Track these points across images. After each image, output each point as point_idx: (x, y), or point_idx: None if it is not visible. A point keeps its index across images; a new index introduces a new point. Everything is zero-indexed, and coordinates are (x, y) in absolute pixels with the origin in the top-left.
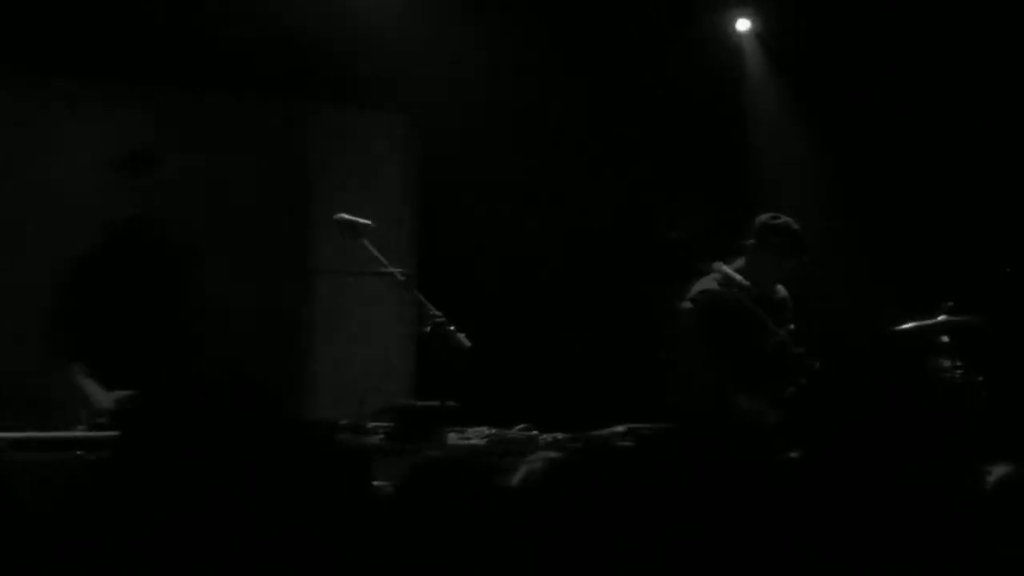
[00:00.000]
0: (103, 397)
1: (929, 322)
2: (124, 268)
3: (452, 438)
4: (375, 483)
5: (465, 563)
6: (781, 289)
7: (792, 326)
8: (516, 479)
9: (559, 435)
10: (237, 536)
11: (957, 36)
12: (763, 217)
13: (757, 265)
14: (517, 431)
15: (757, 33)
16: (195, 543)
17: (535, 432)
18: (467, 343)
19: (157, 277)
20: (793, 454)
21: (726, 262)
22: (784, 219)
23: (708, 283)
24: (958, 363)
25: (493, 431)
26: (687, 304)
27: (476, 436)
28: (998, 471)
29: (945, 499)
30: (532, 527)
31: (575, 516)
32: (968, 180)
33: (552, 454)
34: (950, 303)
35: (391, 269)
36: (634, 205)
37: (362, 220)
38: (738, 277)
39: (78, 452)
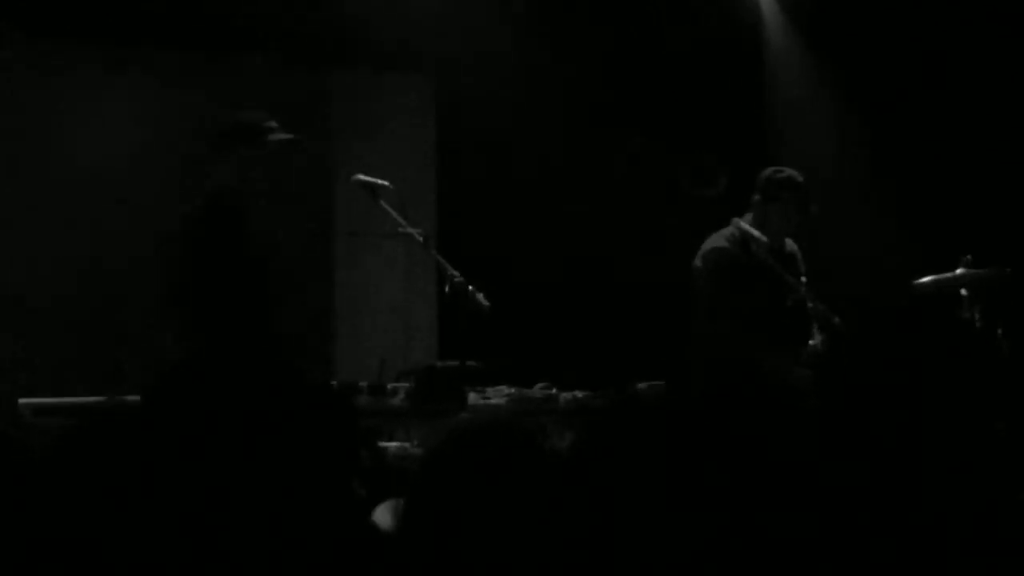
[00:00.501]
0: None
1: (948, 275)
2: (224, 235)
3: (473, 398)
4: (389, 444)
5: (513, 536)
6: (790, 243)
7: (804, 279)
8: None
9: (578, 393)
10: (252, 504)
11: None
12: (767, 172)
13: (765, 220)
14: (537, 389)
15: None
16: (208, 512)
17: (554, 390)
18: (486, 303)
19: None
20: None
21: (731, 220)
22: (788, 172)
23: (718, 240)
24: (978, 316)
25: (513, 390)
26: (697, 262)
27: (496, 395)
28: None
29: (969, 451)
30: (585, 494)
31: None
32: (988, 135)
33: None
34: (969, 256)
35: (410, 230)
36: (656, 165)
37: (380, 181)
38: (756, 232)
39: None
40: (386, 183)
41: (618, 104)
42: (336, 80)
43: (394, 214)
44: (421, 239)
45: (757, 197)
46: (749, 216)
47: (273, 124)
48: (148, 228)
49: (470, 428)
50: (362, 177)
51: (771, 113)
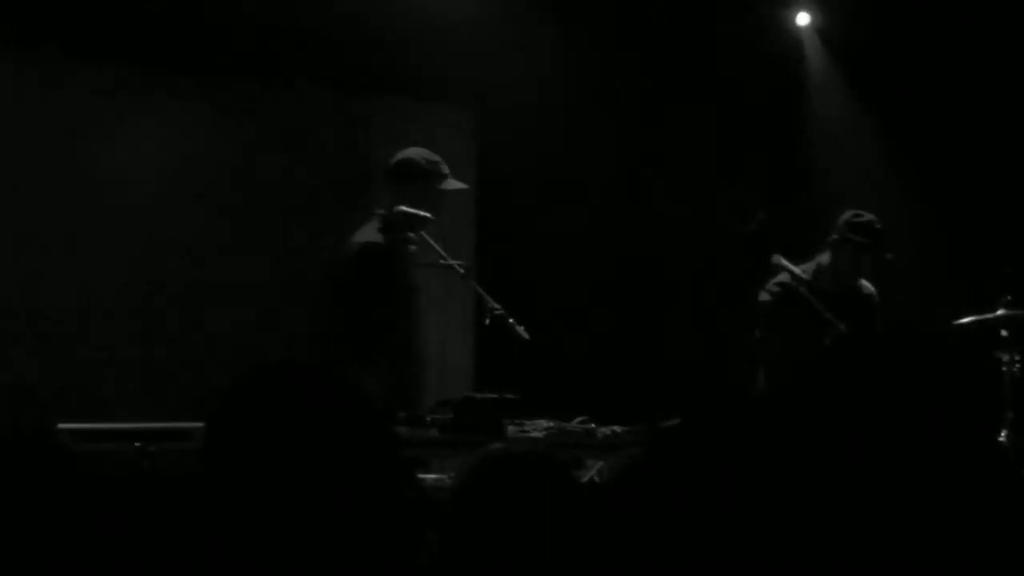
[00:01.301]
0: None
1: (989, 316)
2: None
3: (511, 431)
4: (427, 476)
5: (536, 564)
6: (867, 285)
7: (877, 325)
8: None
9: (617, 428)
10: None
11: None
12: (846, 215)
13: (837, 260)
14: (575, 424)
15: (817, 27)
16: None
17: (593, 425)
18: (526, 335)
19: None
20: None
21: (814, 257)
22: (867, 217)
23: (783, 276)
24: (1017, 357)
25: (552, 424)
26: (763, 296)
27: (535, 429)
28: None
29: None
30: (611, 524)
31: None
32: None
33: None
34: (1009, 296)
35: (451, 261)
36: (696, 198)
37: (422, 213)
38: (797, 270)
39: (136, 444)
40: (427, 215)
41: (658, 137)
42: (376, 109)
43: (435, 246)
44: (462, 271)
45: (833, 237)
46: (826, 255)
47: (447, 170)
48: (175, 251)
49: (502, 457)
50: (404, 208)
51: (812, 146)
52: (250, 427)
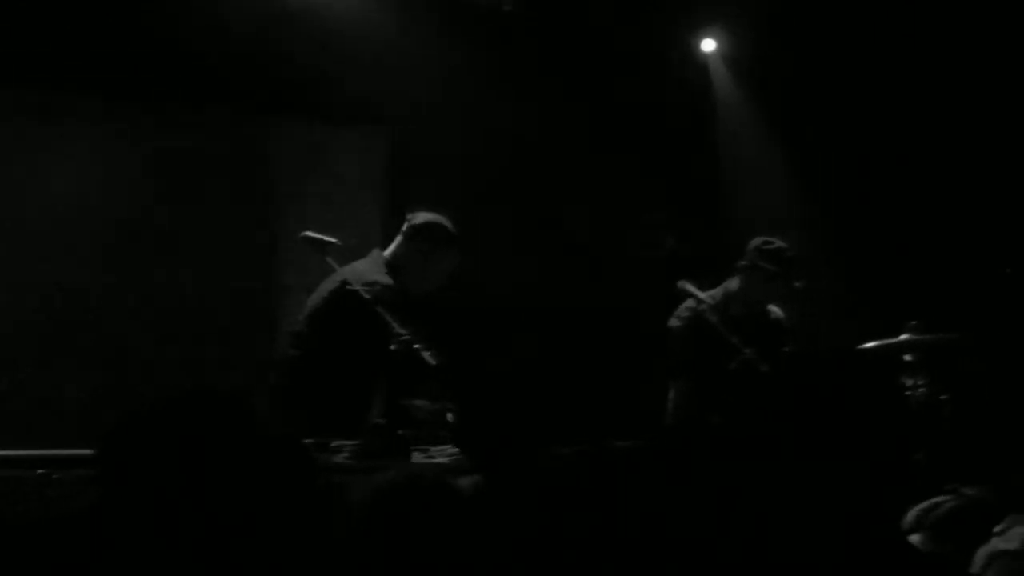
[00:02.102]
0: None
1: (893, 340)
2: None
3: (417, 456)
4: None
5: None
6: (775, 310)
7: (787, 348)
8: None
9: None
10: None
11: (927, 52)
12: (756, 241)
13: (749, 286)
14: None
15: (723, 53)
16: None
17: None
18: (433, 361)
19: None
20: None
21: (723, 282)
22: (777, 244)
23: (691, 302)
24: (921, 382)
25: (457, 450)
26: (673, 321)
27: (440, 455)
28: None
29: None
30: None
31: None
32: (937, 198)
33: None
34: (914, 322)
35: (357, 287)
36: (608, 225)
37: (328, 238)
38: (702, 295)
39: (39, 471)
40: (334, 240)
41: (571, 165)
42: (286, 132)
43: (338, 269)
44: (368, 296)
45: (743, 263)
46: (736, 280)
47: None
48: (80, 274)
49: (396, 483)
50: (310, 234)
51: (722, 172)
52: (142, 458)
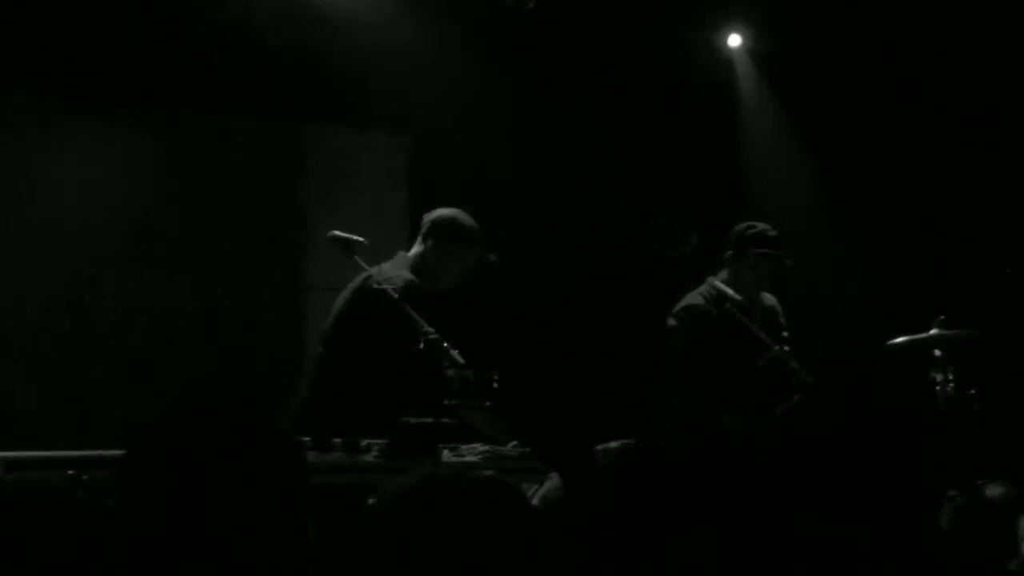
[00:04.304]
0: None
1: (921, 336)
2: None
3: (446, 455)
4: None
5: None
6: (769, 297)
7: (785, 333)
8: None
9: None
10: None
11: (951, 51)
12: (738, 227)
13: (737, 276)
14: (511, 447)
15: (748, 49)
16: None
17: (528, 449)
18: (461, 360)
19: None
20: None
21: (706, 279)
22: (759, 227)
23: (694, 298)
24: (951, 377)
25: (487, 448)
26: (671, 321)
27: (470, 453)
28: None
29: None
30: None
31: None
32: (962, 196)
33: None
34: (942, 316)
35: (384, 286)
36: (631, 224)
37: (355, 237)
38: (730, 291)
39: (69, 472)
40: (361, 239)
41: (593, 164)
42: (311, 136)
43: (367, 268)
44: (396, 295)
45: (729, 253)
46: (724, 273)
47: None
48: (104, 276)
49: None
50: (337, 233)
51: (744, 171)
52: (161, 466)
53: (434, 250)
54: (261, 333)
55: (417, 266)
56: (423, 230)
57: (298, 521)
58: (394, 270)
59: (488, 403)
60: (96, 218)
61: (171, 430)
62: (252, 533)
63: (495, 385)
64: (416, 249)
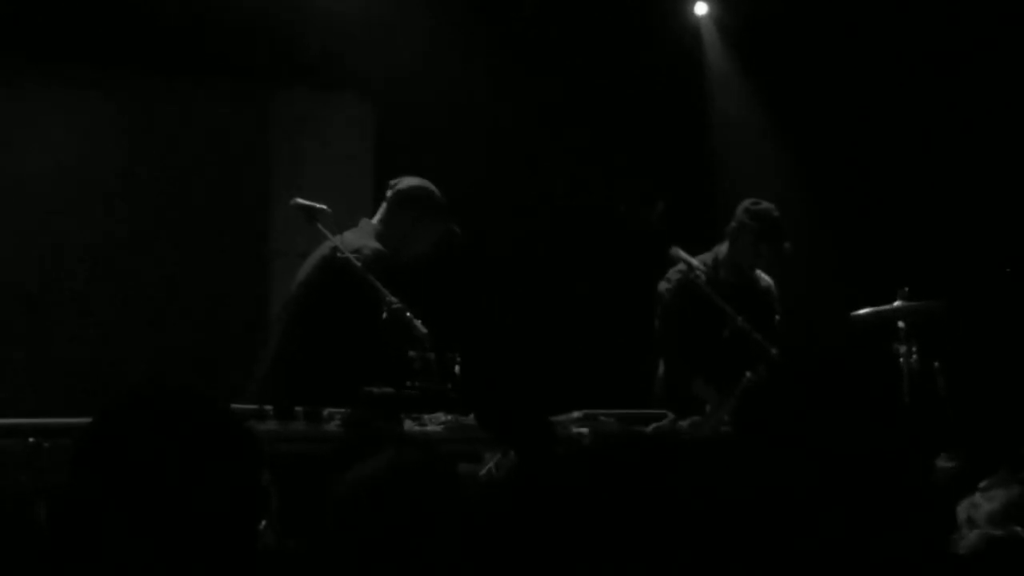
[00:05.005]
0: None
1: (886, 308)
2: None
3: (409, 425)
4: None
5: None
6: (765, 277)
7: (778, 317)
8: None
9: None
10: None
11: (923, 24)
12: (745, 203)
13: (737, 249)
14: (473, 417)
15: (715, 17)
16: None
17: None
18: (424, 329)
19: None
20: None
21: (710, 248)
22: (764, 205)
23: (681, 267)
24: (914, 349)
25: (450, 418)
26: (663, 285)
27: (432, 423)
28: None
29: (900, 490)
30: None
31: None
32: (927, 167)
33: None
34: (907, 288)
35: (347, 255)
36: (597, 191)
37: (318, 205)
38: (694, 261)
39: (30, 439)
40: (324, 207)
41: (558, 129)
42: (274, 99)
43: (331, 237)
44: (359, 263)
45: (732, 225)
46: (724, 245)
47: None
48: (75, 241)
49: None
50: (300, 200)
51: (712, 139)
52: (112, 453)
53: (401, 220)
54: (226, 299)
55: (382, 235)
56: (389, 199)
57: (250, 512)
58: (359, 239)
59: (449, 386)
60: (60, 182)
61: (119, 419)
62: (201, 519)
63: (457, 368)
64: (381, 216)
